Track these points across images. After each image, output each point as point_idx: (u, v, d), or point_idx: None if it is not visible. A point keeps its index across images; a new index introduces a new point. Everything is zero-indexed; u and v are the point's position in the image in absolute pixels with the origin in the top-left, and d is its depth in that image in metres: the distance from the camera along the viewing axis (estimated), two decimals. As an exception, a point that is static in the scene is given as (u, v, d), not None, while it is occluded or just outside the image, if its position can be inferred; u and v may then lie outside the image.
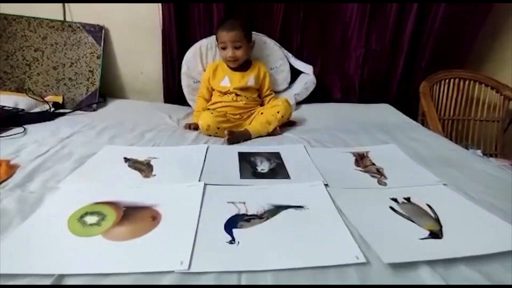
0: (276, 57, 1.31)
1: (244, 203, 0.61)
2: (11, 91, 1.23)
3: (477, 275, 0.45)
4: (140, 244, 0.48)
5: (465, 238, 0.53)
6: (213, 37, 1.25)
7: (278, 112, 1.05)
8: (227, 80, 1.16)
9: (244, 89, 1.15)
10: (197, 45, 1.27)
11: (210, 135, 1.02)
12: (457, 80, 1.33)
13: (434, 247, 0.51)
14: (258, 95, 1.22)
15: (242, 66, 1.17)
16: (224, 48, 1.12)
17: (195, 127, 1.08)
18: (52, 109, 1.16)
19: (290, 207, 0.60)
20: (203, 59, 1.28)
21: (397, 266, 0.46)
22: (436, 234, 0.54)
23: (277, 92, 1.33)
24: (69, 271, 0.42)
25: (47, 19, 1.25)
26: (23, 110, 1.08)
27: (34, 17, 1.24)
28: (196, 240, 0.49)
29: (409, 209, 0.63)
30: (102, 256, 0.45)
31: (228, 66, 1.17)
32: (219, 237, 0.51)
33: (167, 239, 0.49)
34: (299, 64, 1.34)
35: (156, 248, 0.47)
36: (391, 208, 0.63)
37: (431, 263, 0.47)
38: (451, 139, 1.12)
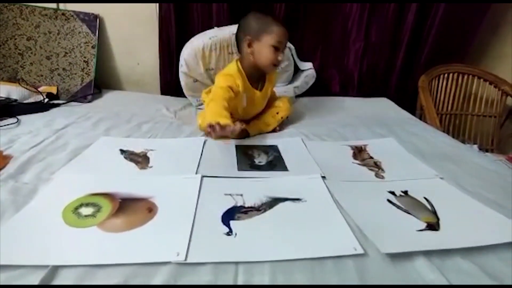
0: (284, 58, 1.25)
1: (241, 195, 0.60)
2: (4, 81, 1.20)
3: (472, 266, 0.46)
4: (136, 235, 0.47)
5: (461, 230, 0.53)
6: (217, 37, 1.14)
7: (277, 113, 1.01)
8: (245, 100, 0.93)
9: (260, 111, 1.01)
10: (199, 45, 1.14)
11: None
12: (455, 75, 1.33)
13: (431, 238, 0.51)
14: None
15: (260, 77, 0.96)
16: (276, 49, 0.87)
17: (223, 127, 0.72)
18: (46, 99, 1.14)
19: (287, 200, 0.60)
20: (206, 61, 1.16)
21: (394, 257, 0.46)
22: (433, 226, 0.55)
23: (277, 87, 1.31)
24: (63, 262, 0.42)
25: (39, 6, 1.21)
26: (16, 100, 1.06)
27: (26, 5, 1.20)
28: (193, 232, 0.48)
29: (406, 202, 0.63)
30: (98, 247, 0.45)
31: (244, 76, 0.91)
32: (216, 228, 0.50)
33: (163, 231, 0.49)
34: (301, 63, 1.32)
35: (152, 239, 0.47)
36: (389, 200, 0.63)
37: (427, 254, 0.47)
38: (448, 134, 1.12)
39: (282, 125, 1.06)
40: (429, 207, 0.61)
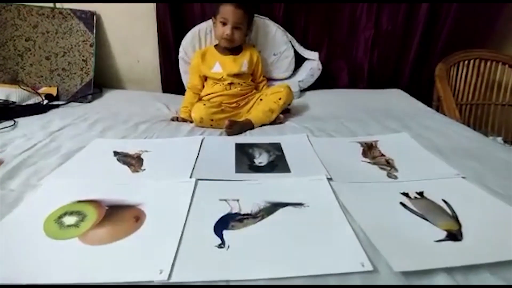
0: (279, 42, 1.22)
1: (237, 200, 0.55)
2: (5, 83, 1.19)
3: (504, 284, 0.39)
4: (118, 249, 0.43)
5: (489, 240, 0.46)
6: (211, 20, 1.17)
7: (280, 99, 0.99)
8: (219, 66, 1.08)
9: (238, 75, 1.08)
10: (195, 29, 1.20)
11: (204, 127, 0.95)
12: (477, 61, 1.22)
13: (453, 251, 0.44)
14: (252, 80, 1.14)
15: (233, 49, 1.10)
16: (223, 23, 1.03)
17: (182, 120, 1.04)
18: (45, 101, 1.12)
19: (288, 205, 0.55)
20: (202, 44, 1.21)
21: (409, 275, 0.40)
22: (454, 235, 0.48)
23: (281, 80, 1.25)
24: (39, 280, 0.38)
25: (36, 6, 1.19)
26: (14, 102, 1.05)
27: (23, 4, 1.19)
28: (181, 245, 0.44)
29: (422, 205, 0.56)
30: (76, 262, 0.41)
31: (217, 49, 1.11)
32: (207, 240, 0.45)
33: (148, 244, 0.44)
34: (303, 50, 1.26)
35: (134, 254, 0.42)
36: (402, 204, 0.56)
37: (449, 270, 0.40)
38: (469, 126, 1.03)
39: (286, 116, 1.03)
40: (449, 211, 0.54)
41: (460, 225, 0.50)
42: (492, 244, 0.45)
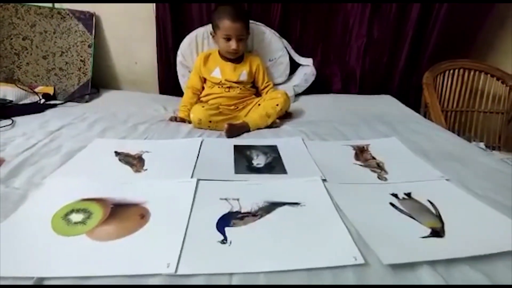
0: (275, 48, 1.25)
1: (237, 199, 0.58)
2: (0, 81, 1.19)
3: (481, 276, 0.43)
4: (126, 245, 0.45)
5: (468, 237, 0.51)
6: (210, 25, 1.20)
7: (277, 105, 1.02)
8: (218, 72, 1.11)
9: (236, 82, 1.11)
10: (193, 34, 1.23)
11: (203, 128, 0.98)
12: (461, 71, 1.29)
13: (436, 246, 0.49)
14: (252, 85, 1.18)
15: (234, 57, 1.13)
16: (227, 39, 1.05)
17: (181, 120, 1.05)
18: (42, 100, 1.12)
19: (285, 204, 0.58)
20: (199, 49, 1.24)
21: (396, 267, 0.44)
22: (437, 232, 0.52)
23: (276, 85, 1.29)
24: (49, 274, 0.40)
25: (35, 5, 1.19)
26: (11, 101, 1.05)
27: (21, 4, 1.19)
28: (186, 240, 0.46)
29: (409, 205, 0.60)
30: (85, 257, 0.43)
31: (221, 56, 1.13)
32: (210, 236, 0.48)
33: (154, 239, 0.47)
34: (298, 58, 1.30)
35: (142, 249, 0.45)
36: (391, 204, 0.60)
37: (432, 263, 0.44)
38: (453, 131, 1.08)
39: (282, 120, 1.06)
40: (433, 211, 0.58)
41: (443, 223, 0.54)
42: (470, 240, 0.50)
